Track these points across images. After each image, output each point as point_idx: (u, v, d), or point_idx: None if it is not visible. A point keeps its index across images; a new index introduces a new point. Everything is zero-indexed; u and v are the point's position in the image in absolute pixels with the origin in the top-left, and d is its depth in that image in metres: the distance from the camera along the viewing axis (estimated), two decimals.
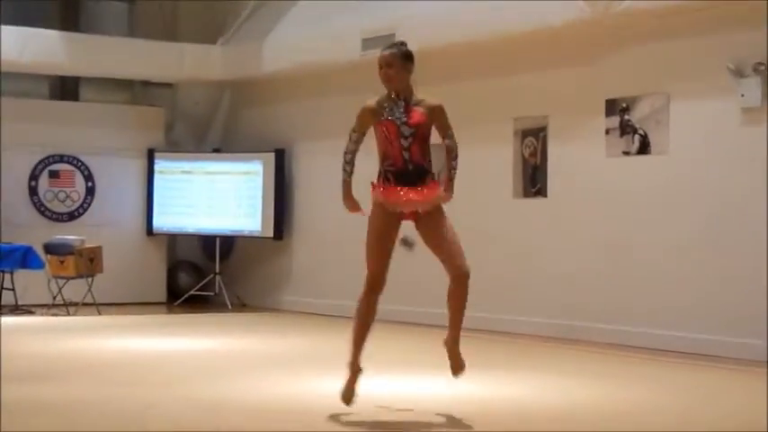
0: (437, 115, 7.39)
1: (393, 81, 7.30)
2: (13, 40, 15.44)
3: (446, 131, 7.42)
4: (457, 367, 7.47)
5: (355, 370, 7.17)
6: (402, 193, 7.19)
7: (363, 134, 7.39)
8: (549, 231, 12.90)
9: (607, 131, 12.29)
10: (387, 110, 7.31)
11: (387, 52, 7.37)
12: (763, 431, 6.97)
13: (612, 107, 12.24)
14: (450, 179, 7.34)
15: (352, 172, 7.34)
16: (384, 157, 7.30)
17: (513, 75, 13.32)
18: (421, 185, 7.22)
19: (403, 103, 7.32)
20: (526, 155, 13.21)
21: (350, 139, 7.37)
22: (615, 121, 12.21)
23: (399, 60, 7.31)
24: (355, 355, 7.19)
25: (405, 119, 7.28)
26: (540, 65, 13.02)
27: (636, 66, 12.04)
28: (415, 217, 7.25)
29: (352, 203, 7.27)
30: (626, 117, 12.12)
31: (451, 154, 7.40)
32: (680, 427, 7.26)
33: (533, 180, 13.14)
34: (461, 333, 7.50)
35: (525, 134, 13.22)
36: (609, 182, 12.29)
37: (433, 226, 7.26)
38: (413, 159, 7.24)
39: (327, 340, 12.27)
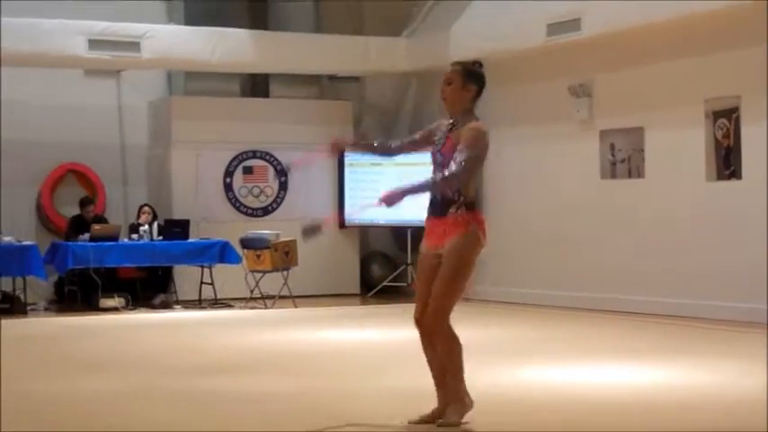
0: (463, 135, 6.55)
1: (447, 99, 6.69)
2: (205, 41, 15.84)
3: (458, 152, 6.52)
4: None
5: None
6: (428, 230, 6.73)
7: (416, 140, 6.97)
8: (744, 215, 12.61)
9: None
10: (438, 134, 6.77)
11: (449, 70, 6.76)
12: None
13: None
14: (445, 179, 6.53)
15: (380, 144, 7.29)
16: None
17: (702, 55, 13.05)
18: (444, 218, 6.61)
19: (451, 127, 6.68)
20: (719, 137, 12.93)
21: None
22: None
23: (460, 78, 6.68)
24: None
25: (440, 145, 6.69)
26: (731, 43, 12.72)
27: None
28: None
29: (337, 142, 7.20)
30: None
31: (448, 174, 6.51)
32: None
33: (726, 162, 12.85)
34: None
35: (717, 115, 12.93)
36: None
37: (441, 268, 6.65)
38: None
39: (520, 329, 12.27)
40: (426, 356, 6.83)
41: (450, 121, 6.73)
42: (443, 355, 6.70)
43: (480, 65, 6.84)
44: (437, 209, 6.66)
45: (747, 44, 12.56)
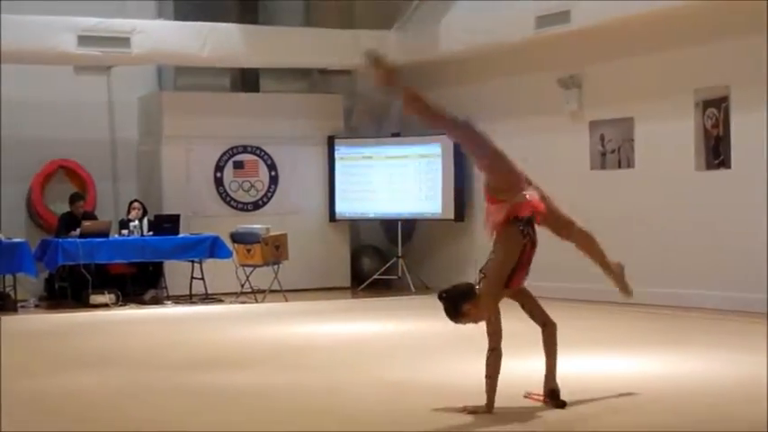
0: None
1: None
2: (194, 36, 15.78)
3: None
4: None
5: None
6: None
7: None
8: (733, 203, 12.62)
9: None
10: None
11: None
12: None
13: None
14: None
15: None
16: None
17: (691, 45, 13.04)
18: None
19: None
20: (708, 126, 12.94)
21: None
22: None
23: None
24: None
25: None
26: (720, 33, 12.72)
27: None
28: None
29: None
30: None
31: None
32: None
33: (716, 151, 12.86)
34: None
35: (706, 105, 12.94)
36: None
37: None
38: None
39: (510, 321, 12.21)
40: None
41: None
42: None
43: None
44: None
45: (736, 34, 12.57)
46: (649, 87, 13.64)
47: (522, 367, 7.89)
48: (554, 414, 6.78)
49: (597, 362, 8.98)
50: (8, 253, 14.39)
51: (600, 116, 14.29)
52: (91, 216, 15.69)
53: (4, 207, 15.86)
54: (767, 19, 11.91)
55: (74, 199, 15.69)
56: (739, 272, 12.49)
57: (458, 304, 6.86)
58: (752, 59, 12.38)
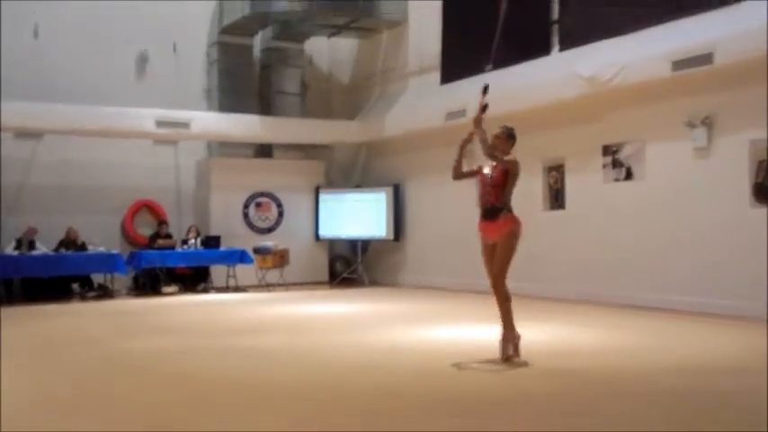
0: (508, 165, 6.82)
1: (497, 148, 6.90)
2: (231, 122, 15.83)
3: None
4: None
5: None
6: (485, 229, 6.89)
7: (472, 171, 7.03)
8: (566, 231, 12.75)
9: (604, 166, 12.12)
10: (486, 167, 6.92)
11: (498, 131, 6.94)
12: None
13: (607, 150, 12.07)
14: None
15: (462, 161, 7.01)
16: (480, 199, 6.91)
17: (542, 132, 13.20)
18: (496, 221, 6.77)
19: (496, 162, 6.87)
20: (551, 183, 13.08)
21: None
22: (609, 159, 12.04)
23: (504, 137, 6.94)
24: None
25: (492, 171, 6.88)
26: (559, 124, 12.88)
27: (622, 122, 11.86)
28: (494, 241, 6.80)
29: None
30: (616, 156, 11.94)
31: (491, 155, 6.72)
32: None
33: (556, 199, 13.01)
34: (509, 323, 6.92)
35: (550, 169, 13.08)
36: (605, 199, 12.10)
37: (497, 250, 6.84)
38: (490, 201, 6.84)
39: (431, 304, 12.28)
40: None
41: (495, 162, 6.84)
42: (499, 306, 6.83)
43: (512, 129, 7.02)
44: (490, 216, 6.77)
45: (569, 124, 12.71)
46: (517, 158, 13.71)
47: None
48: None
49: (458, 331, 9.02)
50: (108, 260, 14.28)
51: None
52: (168, 235, 15.64)
53: (106, 230, 15.73)
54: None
55: (160, 224, 15.75)
56: (569, 273, 12.60)
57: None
58: (579, 142, 12.54)
